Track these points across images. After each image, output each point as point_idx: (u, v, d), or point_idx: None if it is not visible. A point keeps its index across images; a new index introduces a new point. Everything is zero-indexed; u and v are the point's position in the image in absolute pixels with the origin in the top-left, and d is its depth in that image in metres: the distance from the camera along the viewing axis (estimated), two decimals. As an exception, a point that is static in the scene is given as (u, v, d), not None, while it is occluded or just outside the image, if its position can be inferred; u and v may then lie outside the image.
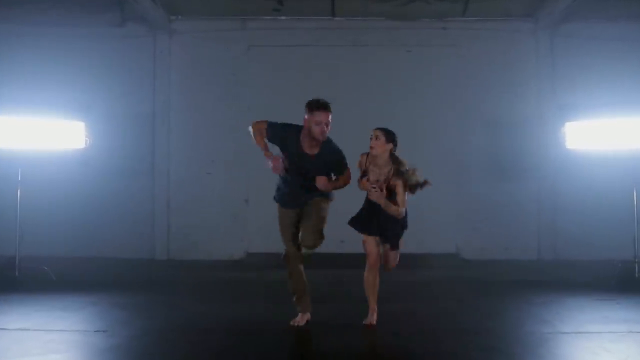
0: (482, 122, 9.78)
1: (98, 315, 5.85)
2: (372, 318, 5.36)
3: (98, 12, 9.55)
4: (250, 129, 5.31)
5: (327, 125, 5.09)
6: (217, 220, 9.70)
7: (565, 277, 8.12)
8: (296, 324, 5.34)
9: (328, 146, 5.22)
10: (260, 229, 9.21)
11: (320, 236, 5.30)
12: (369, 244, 5.39)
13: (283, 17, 9.82)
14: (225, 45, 9.85)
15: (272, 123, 5.25)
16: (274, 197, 5.51)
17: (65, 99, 9.10)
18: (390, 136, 5.29)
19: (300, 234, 5.35)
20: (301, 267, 5.45)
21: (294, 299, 5.47)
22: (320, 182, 5.11)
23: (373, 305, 5.40)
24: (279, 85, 9.63)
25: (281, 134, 5.22)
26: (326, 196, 5.39)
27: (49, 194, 9.32)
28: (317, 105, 5.06)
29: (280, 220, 5.49)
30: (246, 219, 9.66)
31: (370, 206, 5.32)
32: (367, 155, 5.36)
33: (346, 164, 5.33)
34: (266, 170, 5.25)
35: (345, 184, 5.39)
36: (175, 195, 9.77)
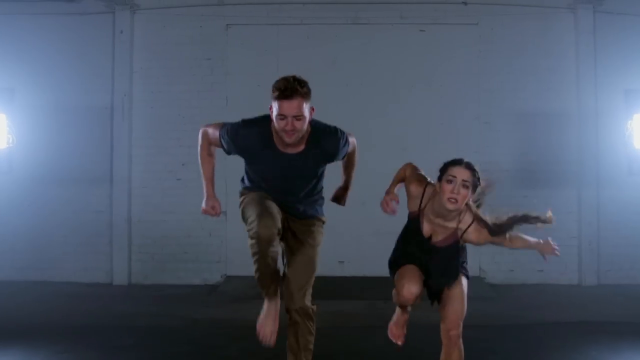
0: (510, 116, 8.46)
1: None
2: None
3: (44, -18, 8.23)
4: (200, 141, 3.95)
5: (298, 119, 3.54)
6: (189, 237, 8.38)
7: (622, 312, 6.66)
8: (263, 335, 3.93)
9: (316, 131, 3.73)
10: (241, 248, 7.64)
11: (308, 292, 3.91)
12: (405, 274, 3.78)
13: (269, -10, 8.52)
14: (199, 23, 8.56)
15: (222, 132, 3.79)
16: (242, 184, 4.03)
17: None
18: (478, 182, 3.69)
19: (285, 267, 3.95)
20: (277, 249, 3.80)
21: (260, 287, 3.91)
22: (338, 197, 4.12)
23: None
24: (263, 72, 8.13)
25: (239, 138, 3.74)
26: (318, 215, 4.04)
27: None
28: (277, 90, 3.55)
29: (250, 195, 3.87)
30: (224, 235, 8.36)
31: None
32: (426, 187, 3.80)
33: (347, 140, 3.87)
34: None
35: (356, 163, 4.19)
36: (138, 207, 8.47)
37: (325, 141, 3.77)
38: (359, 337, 5.69)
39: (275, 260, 3.76)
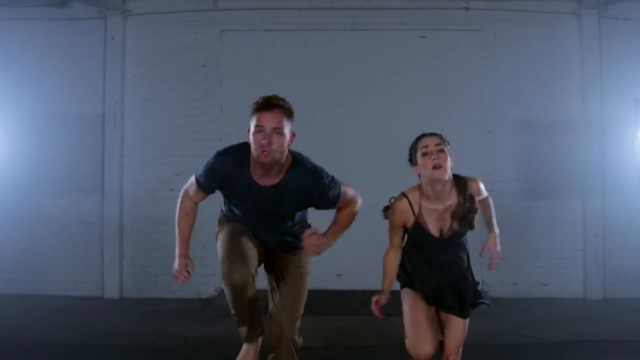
0: (513, 124, 8.23)
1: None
2: None
3: (34, -13, 7.97)
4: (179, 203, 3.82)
5: (277, 134, 3.25)
6: None
7: (630, 329, 6.38)
8: None
9: (298, 166, 3.39)
10: None
11: (297, 323, 3.74)
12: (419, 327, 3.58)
13: (265, -5, 8.31)
14: (193, 29, 8.32)
15: (198, 175, 3.69)
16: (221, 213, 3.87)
17: None
18: (448, 143, 3.65)
19: (272, 300, 3.74)
20: (253, 292, 3.53)
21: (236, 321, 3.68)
22: (309, 246, 3.24)
23: None
24: (259, 80, 8.03)
25: (213, 169, 3.56)
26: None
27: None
28: (256, 104, 3.32)
29: (225, 229, 3.69)
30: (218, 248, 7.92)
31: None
32: (405, 197, 3.62)
33: (338, 191, 3.47)
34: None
35: (348, 224, 3.60)
36: (130, 218, 8.21)
37: (307, 179, 3.43)
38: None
39: (252, 303, 3.49)
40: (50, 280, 8.00)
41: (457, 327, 3.67)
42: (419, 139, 3.60)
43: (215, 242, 3.87)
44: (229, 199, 3.63)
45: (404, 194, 3.63)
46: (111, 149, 8.16)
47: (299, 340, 3.78)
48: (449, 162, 3.50)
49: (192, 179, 3.68)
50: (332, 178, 3.50)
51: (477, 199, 3.65)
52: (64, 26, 8.23)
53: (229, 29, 8.33)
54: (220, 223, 3.72)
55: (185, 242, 3.77)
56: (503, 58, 8.23)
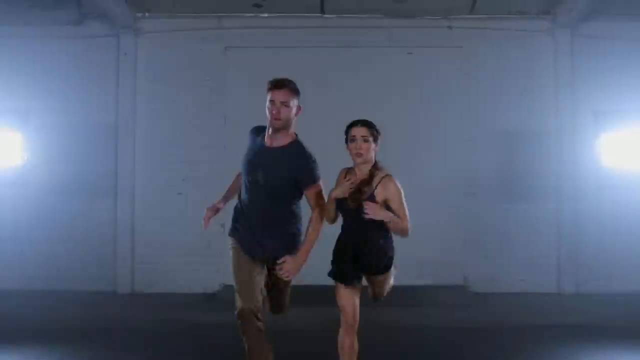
0: (493, 133, 8.71)
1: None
2: None
3: (52, 7, 8.46)
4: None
5: (284, 106, 4.13)
6: (189, 248, 8.55)
7: (597, 318, 7.02)
8: None
9: (297, 146, 4.24)
10: None
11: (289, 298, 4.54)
12: (344, 297, 4.23)
13: (265, 15, 8.77)
14: (199, 46, 8.78)
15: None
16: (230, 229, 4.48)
17: (9, 107, 8.47)
18: (377, 133, 4.23)
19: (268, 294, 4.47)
20: (261, 324, 4.23)
21: None
22: (286, 271, 4.18)
23: None
24: (260, 92, 8.15)
25: (250, 137, 4.45)
26: (293, 249, 4.29)
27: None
28: (271, 84, 4.20)
29: (234, 261, 4.36)
30: (222, 246, 8.28)
31: (345, 237, 4.23)
32: (347, 171, 4.30)
33: (316, 175, 4.24)
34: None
35: (316, 235, 4.25)
36: (141, 219, 8.67)
37: (301, 156, 4.22)
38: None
39: (261, 333, 4.20)
40: (68, 276, 8.41)
41: (378, 284, 4.35)
42: (351, 125, 4.22)
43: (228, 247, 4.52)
44: (244, 167, 4.34)
45: (344, 169, 4.36)
46: (124, 156, 8.60)
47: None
48: (370, 151, 4.14)
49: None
50: (315, 160, 4.27)
51: (384, 192, 4.14)
52: (80, 44, 8.69)
53: (233, 45, 8.77)
54: (231, 235, 4.44)
55: (225, 195, 4.60)
56: (483, 73, 8.69)
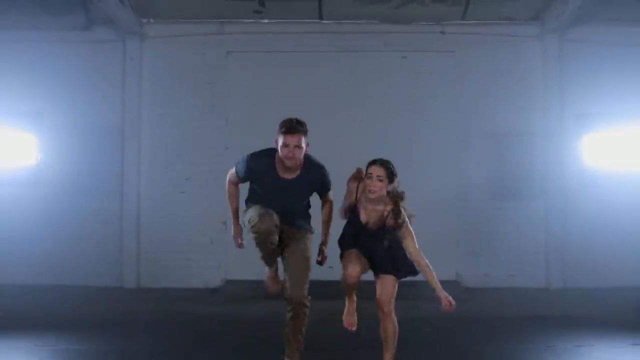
0: (484, 135, 8.99)
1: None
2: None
3: (61, 13, 8.69)
4: (226, 183, 5.03)
5: (297, 148, 4.57)
6: (192, 245, 8.86)
7: (582, 311, 7.35)
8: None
9: (308, 163, 4.74)
10: (239, 255, 8.14)
11: (305, 287, 4.81)
12: (347, 258, 4.63)
13: (265, 21, 9.05)
14: (202, 51, 9.06)
15: (237, 166, 4.86)
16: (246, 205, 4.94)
17: (21, 109, 8.69)
18: (392, 175, 4.60)
19: (284, 276, 4.89)
20: (275, 238, 4.71)
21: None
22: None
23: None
24: (260, 95, 8.88)
25: (249, 167, 4.77)
26: (308, 228, 4.96)
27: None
28: (284, 127, 4.59)
29: (252, 207, 4.77)
30: (224, 243, 8.69)
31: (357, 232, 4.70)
32: (359, 183, 4.70)
33: (329, 182, 4.90)
34: (246, 188, 4.96)
35: (331, 220, 5.07)
36: (146, 217, 8.94)
37: (314, 171, 4.76)
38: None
39: (274, 245, 4.67)
40: (76, 272, 8.69)
41: (387, 285, 4.70)
42: (371, 163, 4.59)
43: (245, 216, 4.87)
44: (257, 186, 4.80)
45: (361, 180, 4.72)
46: (130, 156, 8.87)
47: (308, 297, 4.84)
48: (381, 190, 4.52)
49: (233, 170, 4.86)
50: (324, 167, 4.84)
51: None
52: (88, 48, 8.97)
53: (234, 50, 9.04)
54: (248, 207, 4.85)
55: (235, 213, 5.03)
56: (475, 76, 8.96)
